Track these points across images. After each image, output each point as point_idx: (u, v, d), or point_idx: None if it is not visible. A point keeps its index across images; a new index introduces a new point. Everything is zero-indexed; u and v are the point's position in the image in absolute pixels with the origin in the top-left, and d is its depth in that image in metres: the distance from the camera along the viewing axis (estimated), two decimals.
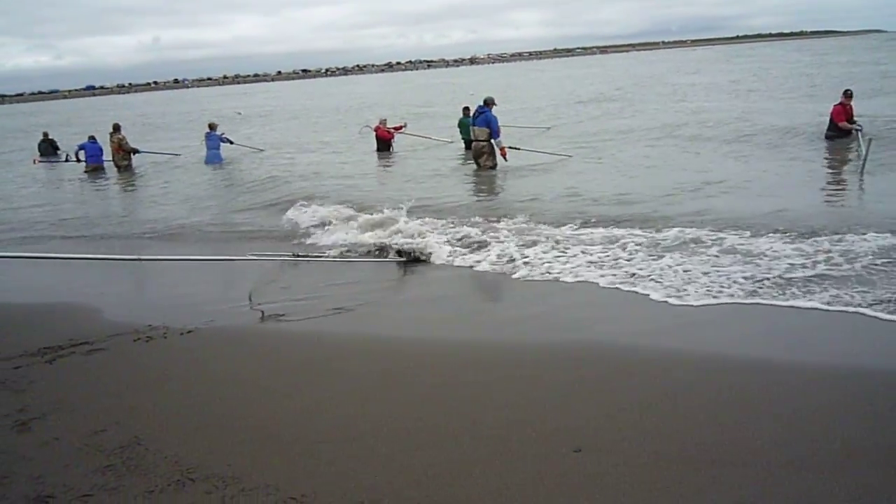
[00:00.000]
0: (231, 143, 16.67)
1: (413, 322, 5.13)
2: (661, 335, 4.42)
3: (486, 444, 3.14)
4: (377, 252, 7.09)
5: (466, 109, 15.67)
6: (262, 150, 17.81)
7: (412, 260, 6.67)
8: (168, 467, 3.06)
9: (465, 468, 2.95)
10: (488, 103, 11.50)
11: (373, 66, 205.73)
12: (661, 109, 20.76)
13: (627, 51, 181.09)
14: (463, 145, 15.12)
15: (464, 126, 15.39)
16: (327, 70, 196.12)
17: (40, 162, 18.68)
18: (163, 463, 3.10)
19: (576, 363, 4.00)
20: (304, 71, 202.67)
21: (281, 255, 6.86)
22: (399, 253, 6.79)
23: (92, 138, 18.24)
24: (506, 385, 3.78)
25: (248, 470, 3.01)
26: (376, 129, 16.38)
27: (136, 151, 17.03)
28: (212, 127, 16.16)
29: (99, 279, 6.90)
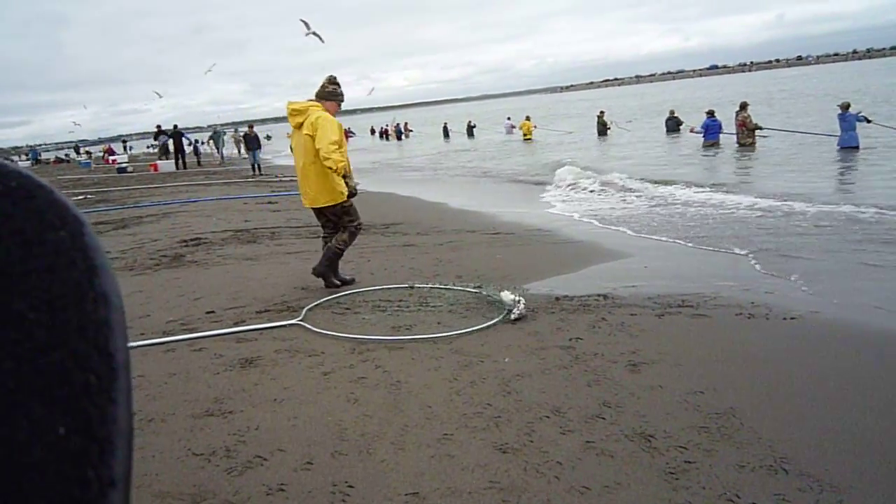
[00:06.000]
0: (868, 121, 14.92)
1: None
2: None
3: None
4: None
5: None
6: None
7: None
8: (761, 448, 2.98)
9: None
10: None
11: None
12: None
13: None
14: None
15: None
16: None
17: (694, 133, 19.96)
18: (756, 442, 3.04)
19: None
20: None
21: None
22: None
23: (710, 114, 19.17)
24: None
25: (851, 483, 2.69)
26: None
27: (759, 128, 17.19)
28: (844, 107, 14.79)
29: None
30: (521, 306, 4.93)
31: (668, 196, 11.45)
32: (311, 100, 5.84)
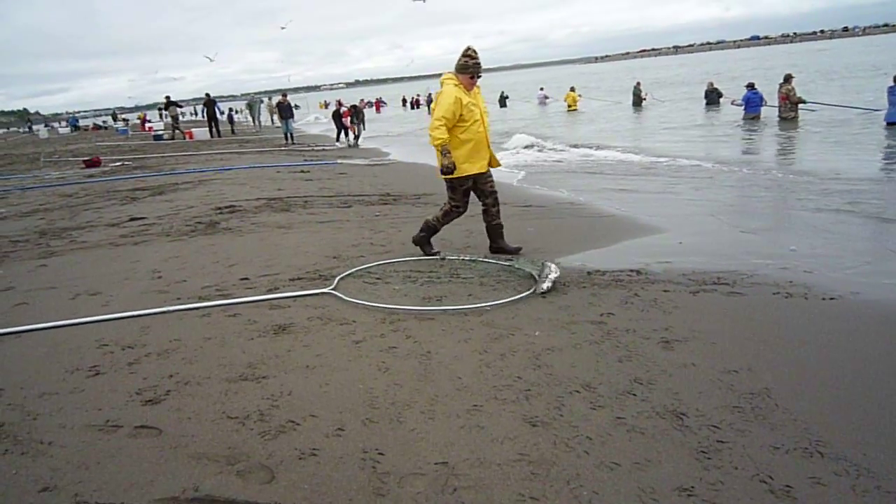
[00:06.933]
0: None
1: None
2: None
3: None
4: None
5: None
6: None
7: None
8: (796, 430, 2.93)
9: None
10: None
11: None
12: None
13: None
14: None
15: None
16: None
17: (735, 105, 19.79)
18: (791, 424, 2.99)
19: None
20: None
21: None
22: None
23: (751, 86, 18.63)
24: None
25: (890, 468, 2.63)
26: None
27: (802, 102, 16.69)
28: None
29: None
30: (553, 274, 4.94)
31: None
32: (451, 72, 5.85)
